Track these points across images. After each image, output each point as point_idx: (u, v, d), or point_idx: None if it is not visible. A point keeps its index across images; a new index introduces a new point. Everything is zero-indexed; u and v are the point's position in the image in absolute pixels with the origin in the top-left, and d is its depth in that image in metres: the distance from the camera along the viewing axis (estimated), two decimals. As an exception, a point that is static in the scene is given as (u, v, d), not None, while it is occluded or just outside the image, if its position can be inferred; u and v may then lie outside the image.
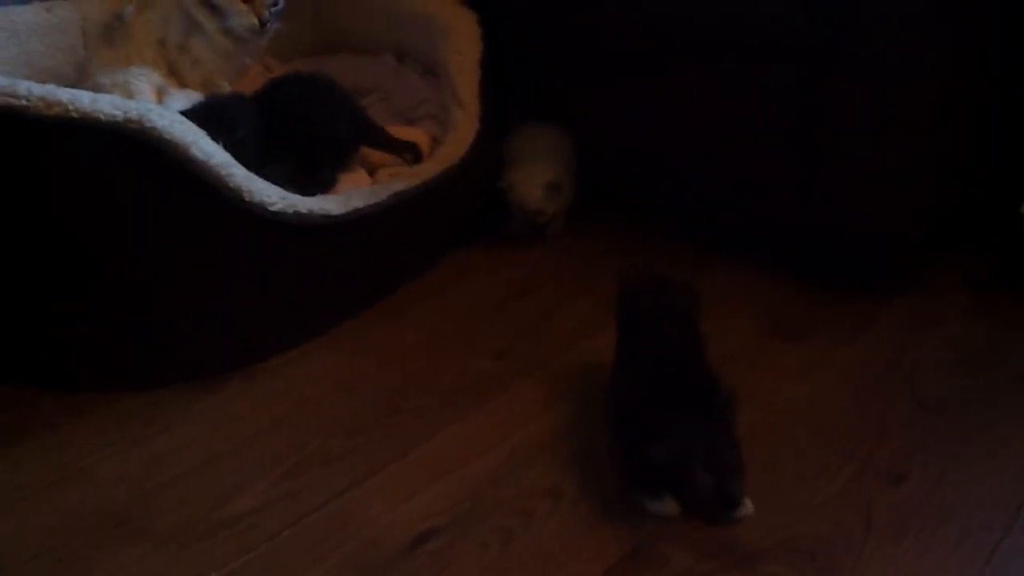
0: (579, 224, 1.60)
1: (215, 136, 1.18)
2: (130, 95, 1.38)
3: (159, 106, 1.14)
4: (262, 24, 1.48)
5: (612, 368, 1.12)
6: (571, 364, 1.26)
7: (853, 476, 1.05)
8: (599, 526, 0.99)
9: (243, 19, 1.47)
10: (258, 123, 1.32)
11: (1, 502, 1.03)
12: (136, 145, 1.10)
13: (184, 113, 1.22)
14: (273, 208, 1.18)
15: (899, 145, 1.29)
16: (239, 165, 1.17)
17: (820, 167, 1.35)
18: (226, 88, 1.54)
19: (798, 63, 1.31)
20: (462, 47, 1.55)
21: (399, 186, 1.35)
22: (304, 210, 1.22)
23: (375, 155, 1.52)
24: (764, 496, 1.00)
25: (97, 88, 1.34)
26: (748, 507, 0.99)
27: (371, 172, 1.49)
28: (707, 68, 1.41)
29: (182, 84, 1.50)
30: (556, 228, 1.59)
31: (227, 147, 1.19)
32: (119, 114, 1.09)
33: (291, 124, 1.35)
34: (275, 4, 1.50)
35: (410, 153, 1.51)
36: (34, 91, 1.10)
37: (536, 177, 1.51)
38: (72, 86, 1.22)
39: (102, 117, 1.09)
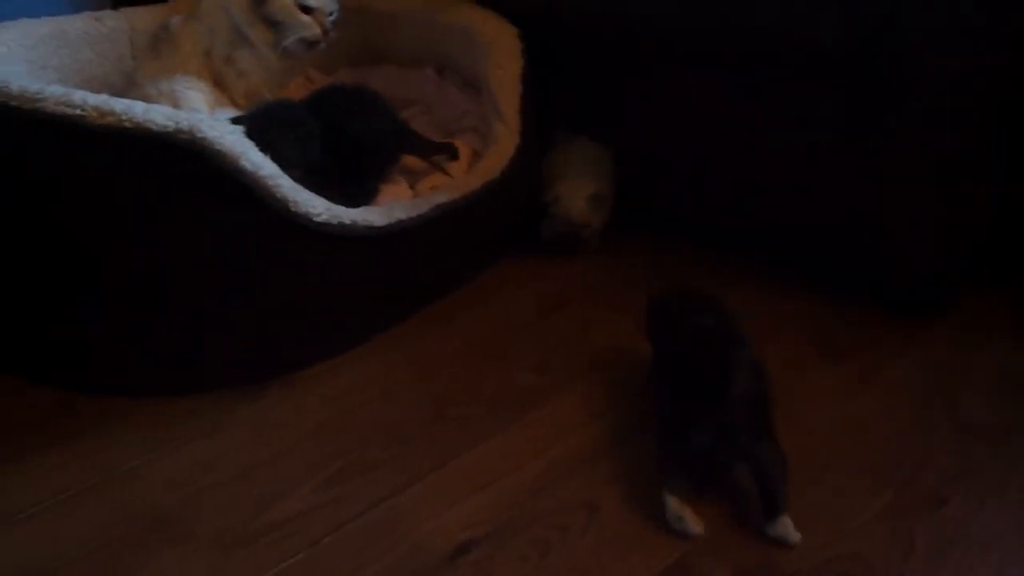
0: (618, 238, 1.61)
1: (283, 141, 1.22)
2: (176, 104, 1.40)
3: (210, 117, 1.16)
4: (325, 34, 1.51)
5: (651, 376, 1.17)
6: (611, 377, 1.26)
7: (894, 499, 1.05)
8: (637, 542, 0.99)
9: (308, 31, 1.49)
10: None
11: (48, 503, 1.05)
12: (187, 155, 1.12)
13: (248, 117, 1.26)
14: (318, 219, 1.20)
15: (946, 169, 1.29)
16: (286, 176, 1.18)
17: (866, 189, 1.34)
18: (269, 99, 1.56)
19: (844, 85, 1.31)
20: (503, 61, 1.56)
21: (441, 198, 1.36)
22: (348, 221, 1.23)
23: (416, 164, 1.54)
24: (804, 517, 1.00)
25: (144, 98, 1.36)
26: (789, 528, 0.98)
27: (412, 184, 1.50)
28: (751, 87, 1.41)
29: (226, 94, 1.53)
30: (593, 242, 1.60)
31: (293, 150, 1.23)
32: (171, 124, 1.11)
33: (337, 135, 1.37)
34: (331, 14, 1.52)
35: (447, 152, 1.53)
36: (89, 100, 1.12)
37: (580, 190, 1.52)
38: (119, 94, 1.25)
39: (154, 127, 1.11)
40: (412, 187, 1.49)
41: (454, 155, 1.53)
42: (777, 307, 1.43)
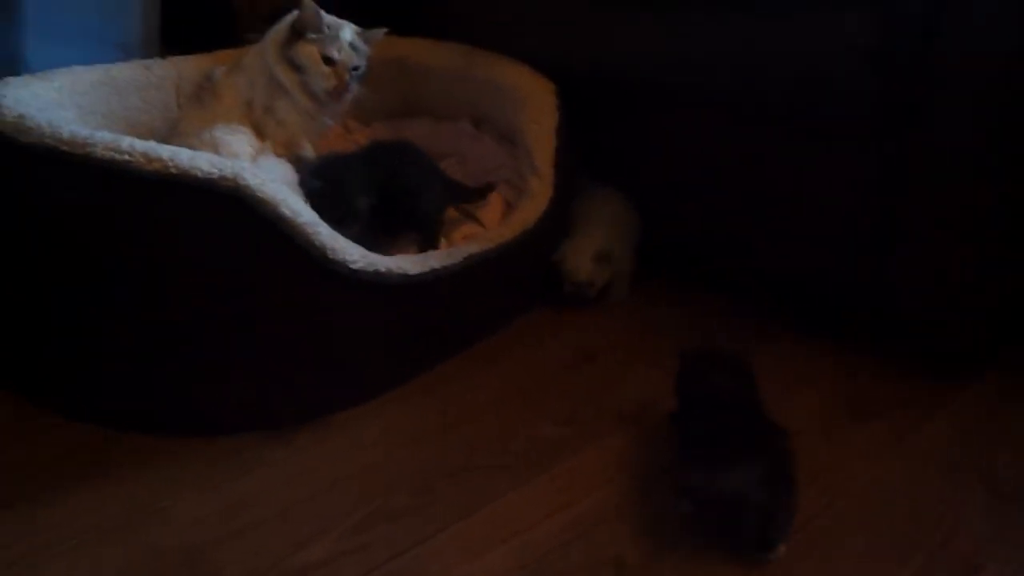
0: (646, 291, 1.61)
1: (351, 188, 1.30)
2: (218, 150, 1.44)
3: (252, 165, 1.19)
4: (343, 87, 1.53)
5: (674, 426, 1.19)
6: (637, 431, 1.26)
7: (924, 566, 1.04)
8: (663, 600, 0.99)
9: (324, 82, 1.53)
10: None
11: (79, 539, 1.06)
12: (229, 201, 1.15)
13: (314, 166, 1.34)
14: (354, 266, 1.22)
15: (981, 225, 1.29)
16: (324, 224, 1.21)
17: (898, 245, 1.34)
18: (309, 149, 1.60)
19: (875, 138, 1.31)
20: (538, 116, 1.59)
21: (474, 248, 1.38)
22: (383, 269, 1.25)
23: (450, 214, 1.57)
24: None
25: (187, 146, 1.39)
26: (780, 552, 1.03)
27: (446, 233, 1.52)
28: (781, 143, 1.42)
29: (266, 143, 1.57)
30: (620, 293, 1.61)
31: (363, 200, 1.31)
32: (215, 172, 1.14)
33: (393, 188, 1.43)
34: (355, 68, 1.55)
35: (488, 191, 1.60)
36: (136, 147, 1.16)
37: (585, 248, 1.54)
38: (164, 141, 1.29)
39: (199, 174, 1.14)
40: (446, 236, 1.52)
41: (490, 188, 1.60)
42: (807, 363, 1.42)
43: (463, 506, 1.12)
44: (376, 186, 1.40)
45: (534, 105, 1.60)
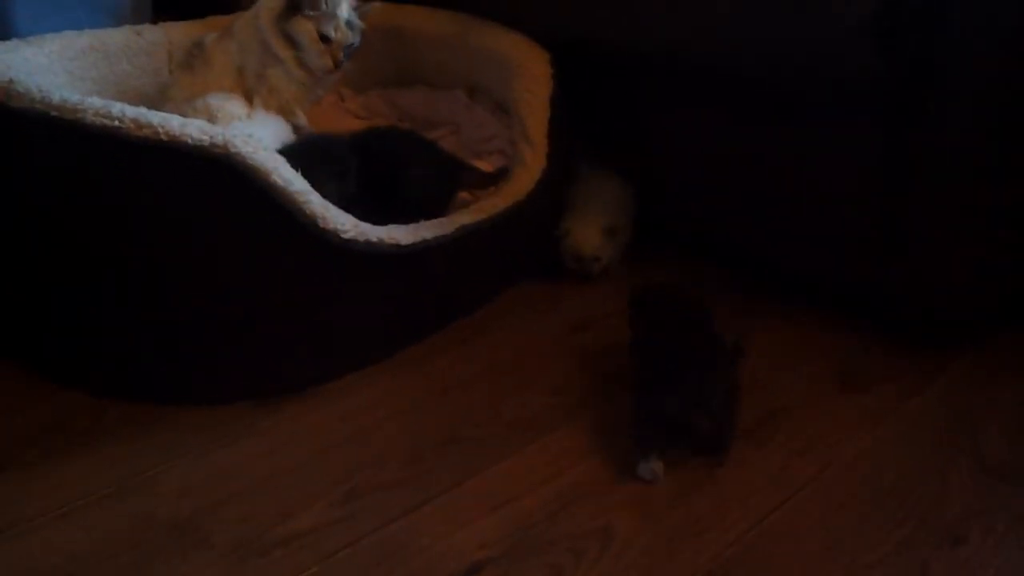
0: (641, 262, 1.61)
1: (319, 175, 1.24)
2: (213, 117, 1.43)
3: (246, 124, 1.18)
4: (336, 66, 1.53)
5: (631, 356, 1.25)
6: (629, 402, 1.26)
7: (909, 535, 1.04)
8: (650, 571, 0.99)
9: (319, 60, 1.52)
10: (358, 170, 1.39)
11: (68, 507, 1.06)
12: (220, 168, 1.14)
13: (287, 149, 1.29)
14: (345, 235, 1.21)
15: (978, 205, 1.28)
16: (316, 192, 1.20)
17: (893, 221, 1.34)
18: (301, 117, 1.59)
19: (875, 117, 1.30)
20: (533, 85, 1.58)
21: (466, 219, 1.38)
22: (374, 239, 1.25)
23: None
24: (819, 551, 0.99)
25: (178, 113, 1.39)
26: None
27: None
28: (779, 117, 1.41)
29: (257, 102, 1.55)
30: (611, 267, 1.60)
31: (329, 186, 1.26)
32: (206, 138, 1.13)
33: (388, 182, 1.42)
34: (350, 45, 1.54)
35: (502, 178, 1.56)
36: (127, 112, 1.14)
37: (591, 223, 1.53)
38: (154, 106, 1.27)
39: (189, 140, 1.13)
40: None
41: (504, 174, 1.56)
42: (799, 335, 1.42)
43: (452, 476, 1.12)
44: (349, 174, 1.37)
45: (528, 74, 1.59)
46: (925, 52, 1.23)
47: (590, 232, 1.53)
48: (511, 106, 1.61)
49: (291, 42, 1.52)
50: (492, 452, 1.16)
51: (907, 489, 1.11)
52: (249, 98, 1.54)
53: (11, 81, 1.21)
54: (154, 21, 1.70)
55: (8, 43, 1.43)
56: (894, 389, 1.30)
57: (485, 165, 1.59)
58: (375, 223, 1.26)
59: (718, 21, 1.40)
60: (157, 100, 1.55)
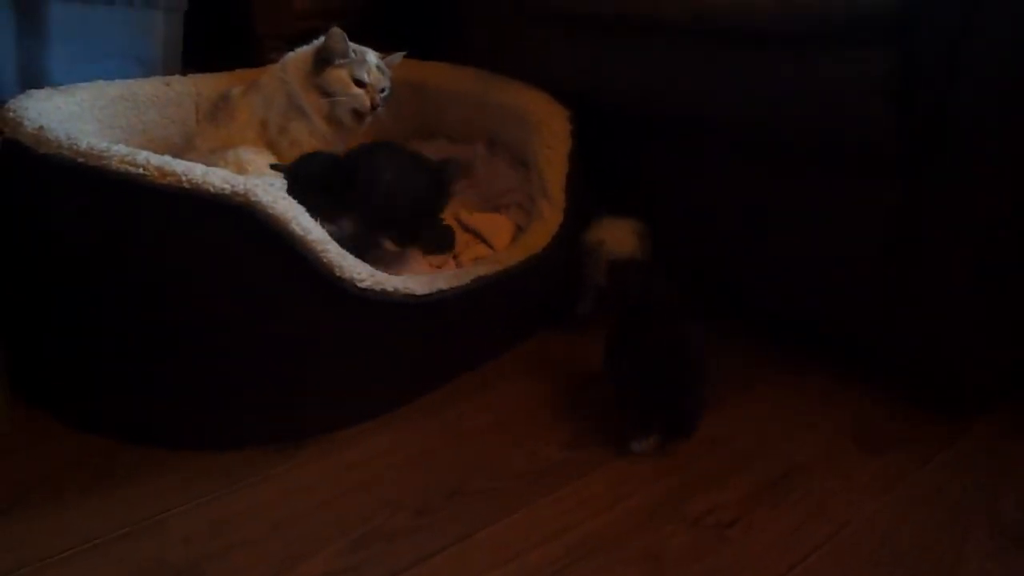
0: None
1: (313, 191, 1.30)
2: (244, 171, 1.45)
3: (264, 182, 1.21)
4: (373, 107, 1.57)
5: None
6: (641, 459, 1.25)
7: (926, 603, 1.02)
8: (660, 629, 0.98)
9: (358, 102, 1.56)
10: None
11: (78, 548, 1.06)
12: (241, 216, 1.16)
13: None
14: (362, 284, 1.23)
15: (995, 268, 1.28)
16: (333, 242, 1.22)
17: (910, 283, 1.34)
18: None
19: (892, 177, 1.31)
20: (552, 141, 1.60)
21: (482, 270, 1.39)
22: (390, 288, 1.26)
23: (460, 237, 1.57)
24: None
25: (203, 161, 1.42)
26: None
27: (455, 256, 1.53)
28: (797, 176, 1.42)
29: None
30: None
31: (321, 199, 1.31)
32: (227, 187, 1.16)
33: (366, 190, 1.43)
34: (383, 90, 1.59)
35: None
36: (151, 160, 1.17)
37: (624, 228, 1.54)
38: (180, 155, 1.30)
39: (212, 189, 1.15)
40: (455, 258, 1.52)
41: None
42: (814, 393, 1.42)
43: (462, 527, 1.11)
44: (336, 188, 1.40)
45: (548, 130, 1.61)
46: (938, 111, 1.24)
47: (625, 235, 1.53)
48: (530, 161, 1.63)
49: (326, 95, 1.56)
50: (502, 504, 1.15)
51: (923, 553, 1.09)
52: (271, 150, 1.57)
53: (41, 128, 1.25)
54: (183, 73, 1.74)
55: (42, 91, 1.48)
56: (911, 451, 1.29)
57: (502, 219, 1.61)
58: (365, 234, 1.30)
59: (736, 81, 1.42)
60: (183, 149, 1.58)
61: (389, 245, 1.46)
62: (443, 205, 1.55)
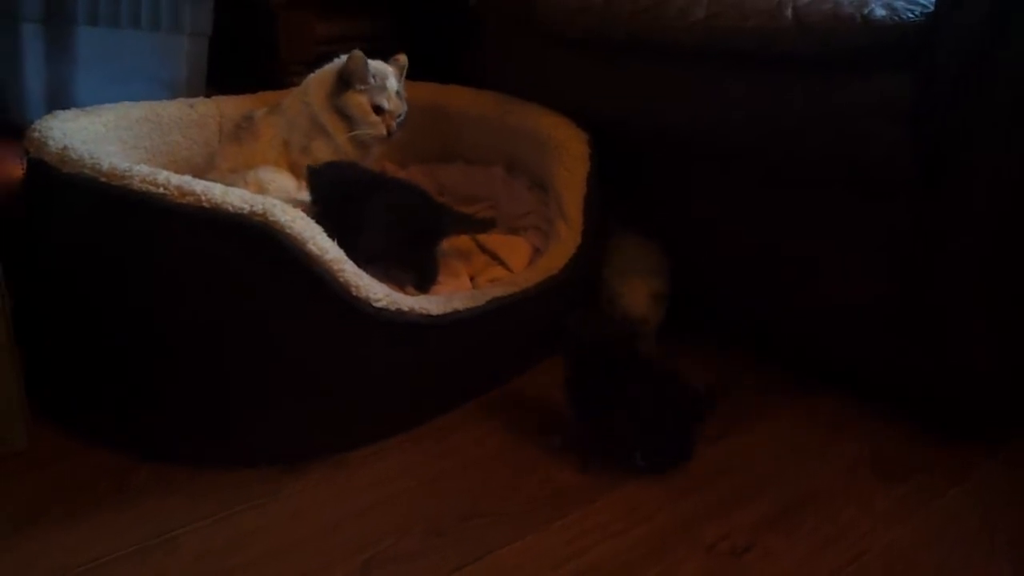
0: (671, 344, 1.60)
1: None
2: (265, 192, 1.47)
3: (282, 202, 1.22)
4: (389, 134, 1.58)
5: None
6: (654, 485, 1.25)
7: (946, 634, 1.00)
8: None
9: (374, 130, 1.58)
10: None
11: (91, 564, 1.06)
12: (259, 236, 1.17)
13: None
14: (377, 304, 1.23)
15: (1009, 291, 1.26)
16: (350, 262, 1.23)
17: (924, 308, 1.32)
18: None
19: (904, 202, 1.30)
20: (571, 163, 1.60)
21: (498, 292, 1.39)
22: (406, 308, 1.26)
23: (477, 258, 1.57)
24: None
25: (224, 182, 1.43)
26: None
27: (472, 277, 1.53)
28: (811, 199, 1.41)
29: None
30: (649, 346, 1.60)
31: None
32: (246, 207, 1.17)
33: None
34: (400, 116, 1.60)
35: (488, 227, 1.61)
36: (172, 180, 1.19)
37: (641, 287, 1.54)
38: (202, 176, 1.32)
39: (230, 208, 1.16)
40: (472, 279, 1.52)
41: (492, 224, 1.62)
42: (830, 421, 1.40)
43: (472, 551, 1.11)
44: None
45: (567, 153, 1.61)
46: (954, 136, 1.23)
47: (639, 296, 1.54)
48: (548, 183, 1.64)
49: (344, 117, 1.58)
50: (513, 528, 1.15)
51: (943, 585, 1.08)
52: (293, 171, 1.58)
53: (65, 148, 1.27)
54: (207, 95, 1.77)
55: (67, 112, 1.50)
56: (930, 479, 1.27)
57: (519, 241, 1.61)
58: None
59: (749, 104, 1.41)
60: (205, 170, 1.60)
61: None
62: (434, 243, 1.54)
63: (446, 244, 1.57)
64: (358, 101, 1.57)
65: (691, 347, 1.58)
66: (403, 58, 1.67)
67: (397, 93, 1.61)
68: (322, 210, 1.36)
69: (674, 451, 1.28)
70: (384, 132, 1.58)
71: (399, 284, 1.42)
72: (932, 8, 1.24)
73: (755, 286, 1.54)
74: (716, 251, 1.58)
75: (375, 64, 1.61)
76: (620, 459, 1.27)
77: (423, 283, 1.47)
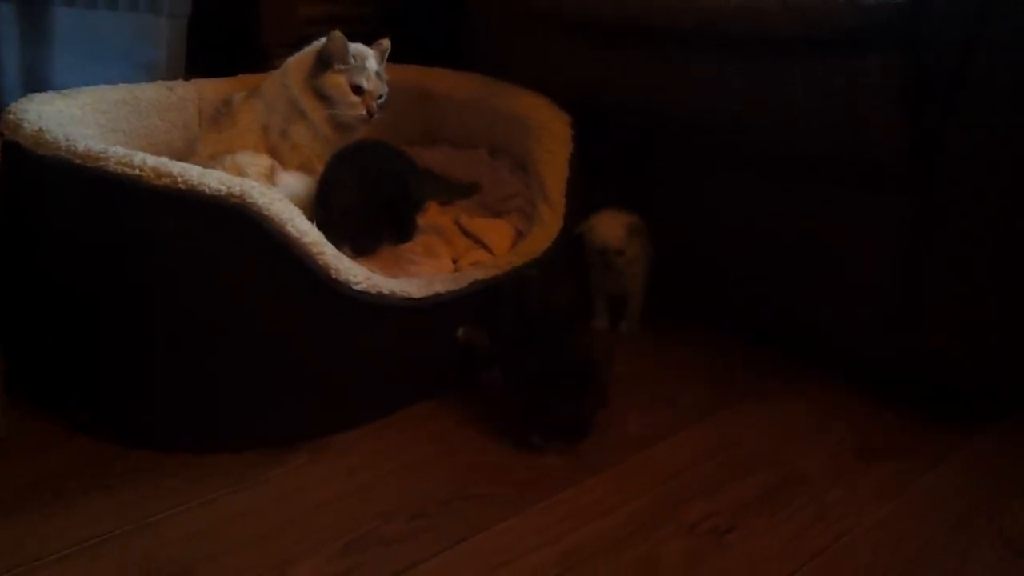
0: (658, 328, 1.60)
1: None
2: (242, 175, 1.45)
3: (260, 184, 1.20)
4: (370, 115, 1.57)
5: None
6: (640, 466, 1.25)
7: (928, 613, 1.01)
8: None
9: (354, 110, 1.56)
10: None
11: (73, 549, 1.05)
12: (236, 218, 1.15)
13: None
14: (357, 287, 1.22)
15: (999, 278, 1.27)
16: (329, 244, 1.22)
17: (911, 293, 1.32)
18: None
19: (895, 189, 1.30)
20: (553, 146, 1.60)
21: (480, 274, 1.38)
22: (387, 291, 1.25)
23: (458, 240, 1.56)
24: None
25: (203, 166, 1.42)
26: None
27: (454, 260, 1.52)
28: (805, 184, 1.41)
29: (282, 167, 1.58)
30: (632, 328, 1.60)
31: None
32: (223, 189, 1.15)
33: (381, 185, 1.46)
34: (380, 96, 1.58)
35: (471, 192, 1.63)
36: (148, 162, 1.17)
37: (615, 219, 1.54)
38: (181, 159, 1.30)
39: (207, 190, 1.15)
40: (455, 262, 1.51)
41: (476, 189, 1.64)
42: (816, 405, 1.40)
43: (457, 533, 1.10)
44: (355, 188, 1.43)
45: (549, 135, 1.61)
46: (946, 120, 1.23)
47: (615, 226, 1.54)
48: (531, 166, 1.63)
49: (323, 98, 1.56)
50: (498, 510, 1.14)
51: (925, 564, 1.08)
52: (272, 155, 1.56)
53: (40, 130, 1.25)
54: (186, 78, 1.74)
55: (44, 95, 1.48)
56: (914, 461, 1.27)
57: (502, 224, 1.61)
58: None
59: (741, 88, 1.41)
60: (185, 154, 1.58)
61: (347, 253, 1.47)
62: (414, 208, 1.54)
63: (429, 225, 1.55)
64: (337, 81, 1.55)
65: (671, 332, 1.59)
66: (386, 42, 1.65)
67: (377, 74, 1.59)
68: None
69: (569, 427, 1.28)
70: (364, 112, 1.56)
71: (362, 251, 1.42)
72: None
73: (744, 268, 1.54)
74: (715, 238, 1.58)
75: (355, 46, 1.59)
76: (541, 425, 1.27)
77: (401, 237, 1.49)
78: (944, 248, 1.29)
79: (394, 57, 1.67)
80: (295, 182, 1.50)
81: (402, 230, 1.49)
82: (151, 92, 1.64)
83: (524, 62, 1.79)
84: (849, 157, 1.34)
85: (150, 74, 1.75)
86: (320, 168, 1.59)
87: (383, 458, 1.25)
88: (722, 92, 1.44)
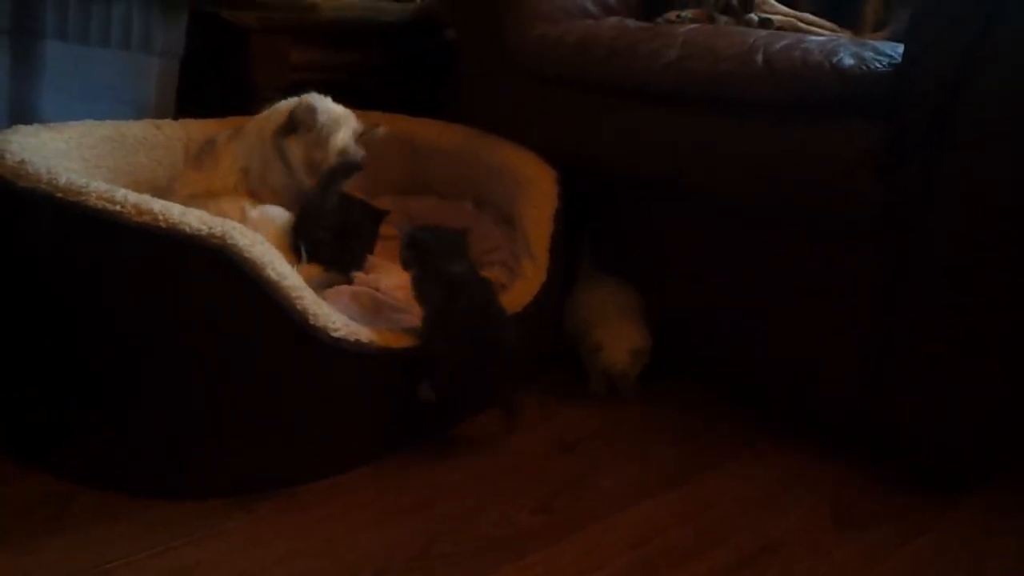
0: (641, 382, 1.59)
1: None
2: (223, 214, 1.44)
3: (242, 226, 1.19)
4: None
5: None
6: (615, 528, 1.22)
7: None
8: None
9: (306, 181, 1.59)
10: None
11: (22, 597, 1.02)
12: (216, 258, 1.14)
13: None
14: (336, 334, 1.20)
15: (976, 340, 1.26)
16: (309, 289, 1.20)
17: (890, 356, 1.32)
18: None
19: (877, 249, 1.31)
20: (538, 201, 1.60)
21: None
22: (365, 339, 1.24)
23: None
24: None
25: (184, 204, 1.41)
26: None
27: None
28: (783, 244, 1.42)
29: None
30: (628, 390, 1.58)
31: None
32: (204, 229, 1.14)
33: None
34: (350, 169, 1.61)
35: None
36: (129, 198, 1.16)
37: (624, 341, 1.52)
38: (164, 197, 1.29)
39: (188, 229, 1.13)
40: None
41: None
42: (792, 466, 1.39)
43: (420, 594, 1.07)
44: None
45: (535, 190, 1.61)
46: (926, 185, 1.24)
47: (622, 350, 1.52)
48: (516, 220, 1.63)
49: (283, 158, 1.56)
50: (465, 570, 1.11)
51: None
52: (252, 197, 1.56)
53: (22, 161, 1.23)
54: (175, 117, 1.74)
55: (29, 127, 1.47)
56: (893, 529, 1.25)
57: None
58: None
59: (721, 149, 1.42)
60: (168, 193, 1.57)
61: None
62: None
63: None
64: (295, 149, 1.56)
65: (656, 388, 1.58)
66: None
67: (341, 150, 1.59)
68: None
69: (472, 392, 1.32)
70: (312, 185, 1.58)
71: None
72: (899, 60, 1.25)
73: (720, 326, 1.54)
74: (688, 295, 1.58)
75: (331, 112, 1.59)
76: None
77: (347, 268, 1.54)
78: (923, 309, 1.29)
79: (382, 106, 1.68)
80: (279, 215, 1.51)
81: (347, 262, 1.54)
82: (138, 129, 1.64)
83: (506, 114, 1.80)
84: (825, 217, 1.35)
85: (139, 112, 1.75)
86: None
87: (351, 511, 1.21)
88: (700, 152, 1.45)
